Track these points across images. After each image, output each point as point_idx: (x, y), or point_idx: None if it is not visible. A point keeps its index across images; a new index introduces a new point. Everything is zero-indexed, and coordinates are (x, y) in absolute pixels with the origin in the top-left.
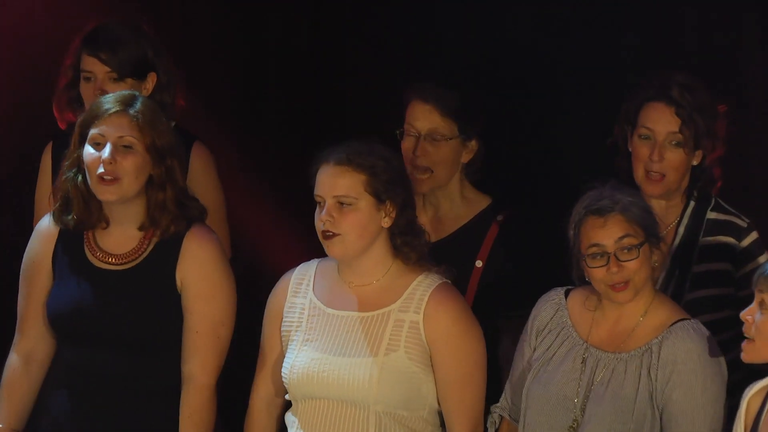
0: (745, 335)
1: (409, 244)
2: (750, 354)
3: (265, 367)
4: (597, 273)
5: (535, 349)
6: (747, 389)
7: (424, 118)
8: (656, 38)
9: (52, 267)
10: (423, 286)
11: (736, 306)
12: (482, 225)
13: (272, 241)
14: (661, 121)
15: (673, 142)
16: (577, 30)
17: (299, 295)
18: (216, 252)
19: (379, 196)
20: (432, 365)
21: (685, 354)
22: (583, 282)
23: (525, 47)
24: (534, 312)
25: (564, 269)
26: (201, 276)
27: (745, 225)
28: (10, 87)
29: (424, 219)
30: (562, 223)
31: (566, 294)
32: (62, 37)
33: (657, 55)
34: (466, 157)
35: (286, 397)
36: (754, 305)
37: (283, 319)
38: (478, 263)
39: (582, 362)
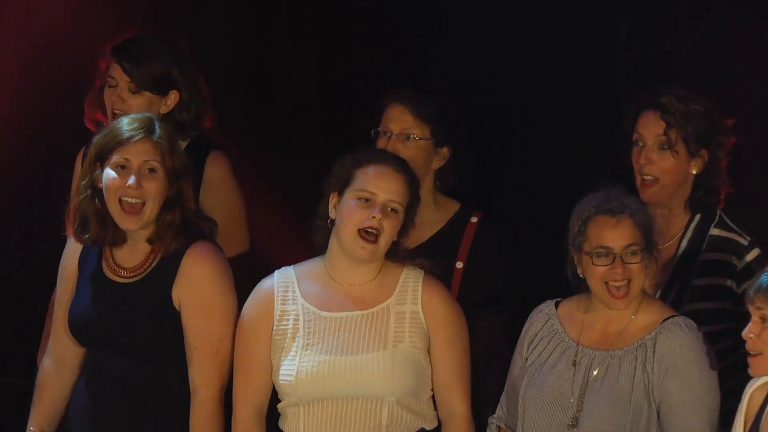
0: (750, 352)
1: (398, 245)
2: (758, 368)
3: (251, 376)
4: (599, 270)
5: (527, 358)
6: (750, 382)
7: (397, 118)
8: (647, 45)
9: (77, 277)
10: (412, 278)
11: (731, 319)
12: (457, 228)
13: (281, 247)
14: (648, 126)
15: (660, 145)
16: (566, 39)
17: (288, 302)
18: (213, 270)
19: (408, 211)
20: (429, 350)
21: (679, 348)
22: (576, 278)
23: (514, 56)
24: (526, 324)
25: (539, 267)
26: (196, 294)
27: (746, 243)
28: (37, 94)
29: None
30: (534, 225)
31: (556, 305)
32: (86, 45)
33: (646, 61)
34: (437, 164)
35: (278, 406)
36: (753, 323)
37: (275, 327)
38: (459, 264)
39: (573, 363)
